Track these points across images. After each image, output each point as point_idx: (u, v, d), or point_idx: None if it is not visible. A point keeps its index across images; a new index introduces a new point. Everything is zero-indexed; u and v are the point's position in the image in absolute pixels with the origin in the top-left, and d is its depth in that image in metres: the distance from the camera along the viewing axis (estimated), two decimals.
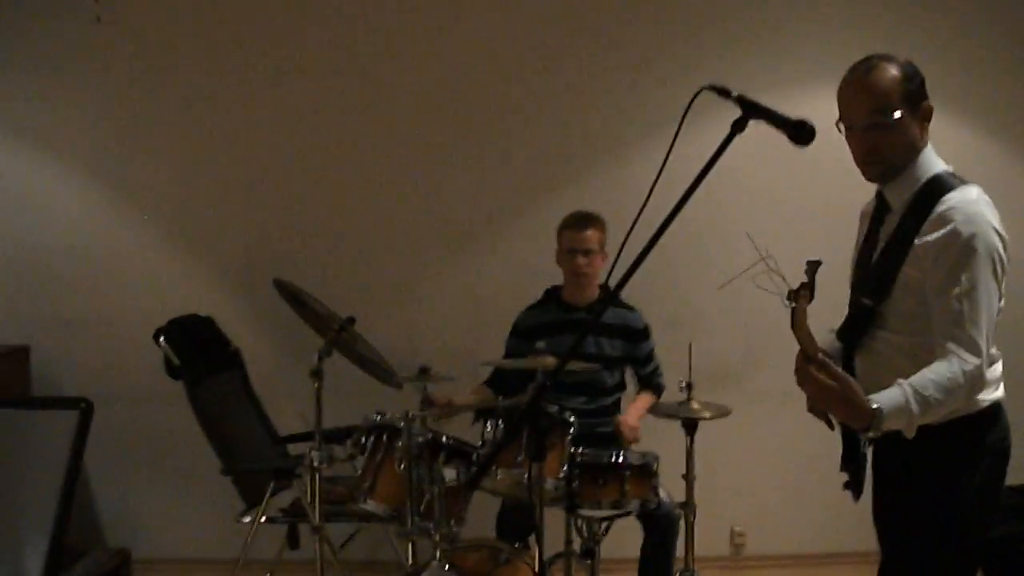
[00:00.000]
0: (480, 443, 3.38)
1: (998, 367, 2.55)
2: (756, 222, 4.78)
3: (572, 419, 3.43)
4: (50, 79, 4.94)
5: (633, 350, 4.16)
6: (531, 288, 4.34)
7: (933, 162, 2.57)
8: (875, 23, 4.90)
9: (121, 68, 4.95)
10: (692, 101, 2.24)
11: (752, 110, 2.23)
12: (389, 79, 4.94)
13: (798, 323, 2.31)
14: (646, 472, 3.56)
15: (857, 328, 2.62)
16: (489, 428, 3.36)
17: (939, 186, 2.50)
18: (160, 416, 4.66)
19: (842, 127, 2.60)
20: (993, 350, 2.50)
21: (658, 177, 2.25)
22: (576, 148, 4.93)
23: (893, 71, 2.53)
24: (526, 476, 3.28)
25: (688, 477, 3.62)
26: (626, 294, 4.25)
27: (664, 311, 4.54)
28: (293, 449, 4.49)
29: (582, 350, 4.06)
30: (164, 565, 5.03)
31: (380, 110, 4.95)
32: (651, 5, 4.93)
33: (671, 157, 2.22)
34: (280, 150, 4.98)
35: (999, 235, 2.43)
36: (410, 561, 3.60)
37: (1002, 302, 2.48)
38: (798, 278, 2.30)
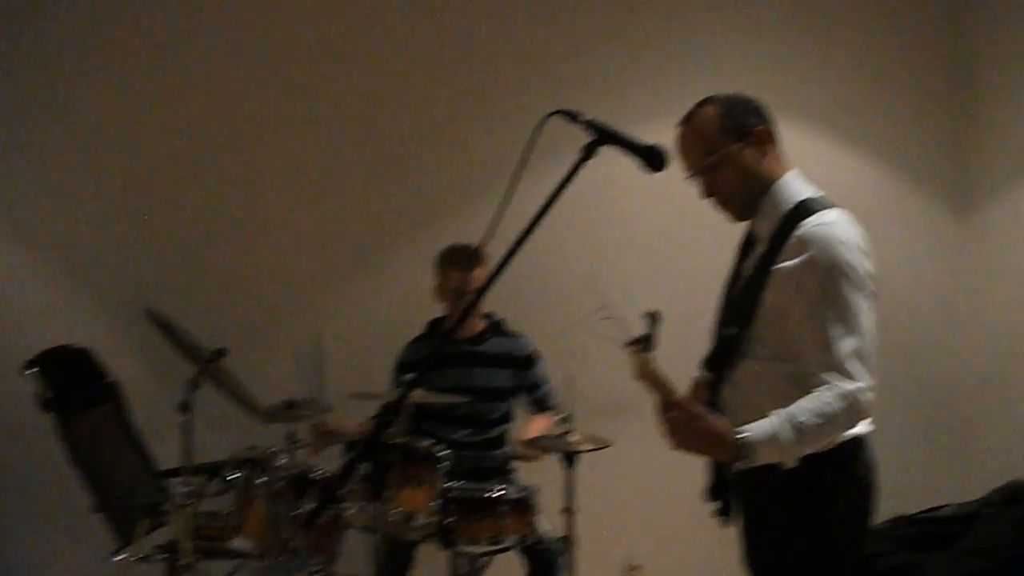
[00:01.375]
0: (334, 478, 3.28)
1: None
2: (652, 254, 4.90)
3: (443, 453, 3.35)
4: None
5: (522, 377, 4.09)
6: (424, 316, 4.26)
7: (794, 189, 2.54)
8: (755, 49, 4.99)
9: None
10: (540, 126, 2.22)
11: (603, 135, 2.20)
12: (282, 93, 4.83)
13: (638, 373, 2.29)
14: (524, 506, 3.50)
15: (721, 358, 2.58)
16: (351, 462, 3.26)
17: (799, 212, 2.47)
18: (36, 450, 4.45)
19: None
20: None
21: (504, 208, 2.19)
22: (466, 175, 4.85)
23: (709, 110, 2.55)
24: (398, 512, 3.21)
25: (568, 511, 3.53)
26: (514, 322, 4.19)
27: (551, 341, 4.45)
28: (174, 484, 4.34)
29: (468, 383, 3.99)
30: None
31: (272, 128, 4.83)
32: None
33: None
34: (161, 172, 4.81)
35: (862, 253, 2.40)
36: None
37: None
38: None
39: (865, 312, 2.37)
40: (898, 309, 5.03)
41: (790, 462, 2.32)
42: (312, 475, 3.31)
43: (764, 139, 2.54)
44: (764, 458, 2.30)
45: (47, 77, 4.77)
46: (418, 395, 3.44)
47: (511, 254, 2.14)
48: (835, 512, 2.46)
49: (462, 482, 3.52)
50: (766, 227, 2.53)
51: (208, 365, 3.55)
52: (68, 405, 4.23)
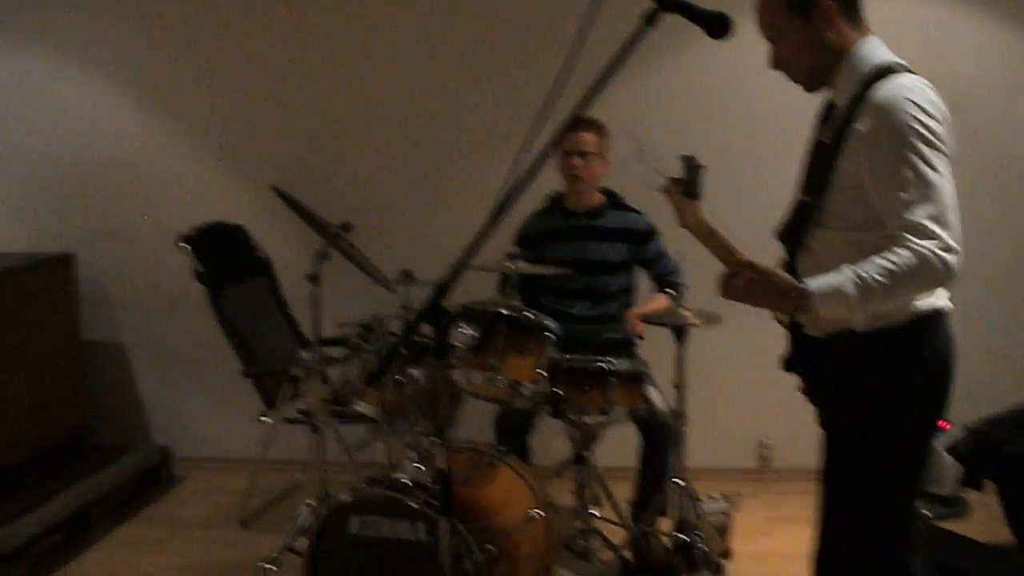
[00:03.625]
0: (457, 345, 3.40)
1: None
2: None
3: (552, 324, 3.43)
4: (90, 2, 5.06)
5: (638, 252, 4.10)
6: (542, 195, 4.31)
7: (871, 55, 2.43)
8: None
9: None
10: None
11: (664, 2, 2.18)
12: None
13: (682, 220, 2.29)
14: (633, 379, 3.55)
15: (796, 227, 2.54)
16: (465, 331, 3.39)
17: (875, 76, 2.38)
18: (198, 319, 4.77)
19: None
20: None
21: (561, 73, 2.21)
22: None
23: None
24: (503, 379, 3.33)
25: (679, 386, 3.57)
26: (637, 188, 4.18)
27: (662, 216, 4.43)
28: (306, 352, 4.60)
29: (583, 256, 4.04)
30: (203, 463, 5.25)
31: (403, 25, 4.93)
32: None
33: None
34: (312, 66, 5.02)
35: (930, 115, 2.28)
36: (386, 463, 3.68)
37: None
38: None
39: (943, 172, 2.26)
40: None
41: (858, 320, 2.25)
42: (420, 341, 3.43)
43: (829, 15, 2.45)
44: (829, 311, 2.25)
45: None
46: (524, 267, 3.53)
47: (570, 120, 2.17)
48: (906, 390, 2.40)
49: (574, 354, 3.59)
50: (844, 93, 2.45)
51: (335, 238, 3.72)
52: (220, 278, 4.53)
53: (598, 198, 4.14)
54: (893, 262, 2.21)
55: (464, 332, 3.38)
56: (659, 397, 3.86)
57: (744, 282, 2.30)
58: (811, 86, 2.53)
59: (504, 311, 3.39)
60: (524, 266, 3.56)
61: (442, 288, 2.20)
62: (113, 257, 5.23)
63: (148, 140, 5.14)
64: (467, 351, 3.36)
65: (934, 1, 4.67)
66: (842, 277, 2.23)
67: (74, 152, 5.18)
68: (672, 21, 2.20)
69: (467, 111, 4.93)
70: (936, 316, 2.43)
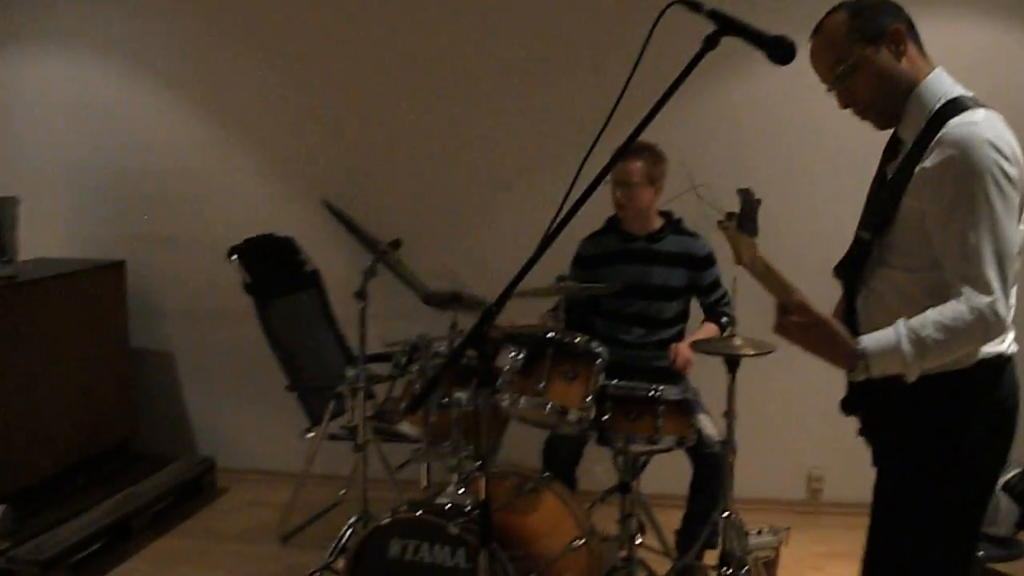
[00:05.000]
0: (503, 369, 3.33)
1: (1010, 313, 2.32)
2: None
3: (600, 349, 3.36)
4: (148, 3, 5.08)
5: (696, 278, 4.01)
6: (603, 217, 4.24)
7: (940, 88, 2.34)
8: None
9: None
10: (659, 17, 2.13)
11: (726, 25, 2.10)
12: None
13: (737, 257, 2.20)
14: (683, 408, 3.46)
15: (855, 264, 2.44)
16: (512, 354, 3.32)
17: (946, 112, 2.28)
18: (246, 331, 4.76)
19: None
20: (1011, 298, 2.28)
21: (620, 96, 2.15)
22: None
23: (838, 16, 2.38)
24: (549, 405, 3.25)
25: (729, 415, 3.48)
26: (692, 223, 4.10)
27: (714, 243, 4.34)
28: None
29: (642, 281, 3.97)
30: (246, 475, 5.24)
31: (457, 43, 4.91)
32: None
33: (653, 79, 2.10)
34: (367, 82, 5.02)
35: (1006, 157, 2.18)
36: (424, 484, 3.61)
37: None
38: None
39: (1006, 219, 2.17)
40: None
41: (912, 376, 2.18)
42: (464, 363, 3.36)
43: (899, 38, 2.35)
44: (883, 369, 2.17)
45: None
46: (572, 287, 3.46)
47: (626, 147, 2.11)
48: (969, 437, 2.30)
49: (625, 380, 3.51)
50: (911, 129, 2.36)
51: (384, 255, 3.68)
52: (268, 290, 4.51)
53: (657, 221, 4.06)
54: (950, 318, 2.14)
55: (512, 355, 3.31)
56: (710, 425, 3.77)
57: (797, 325, 2.22)
58: (883, 123, 2.44)
59: (552, 335, 3.32)
60: (573, 286, 3.49)
61: (488, 314, 2.13)
62: (164, 266, 5.24)
63: (202, 150, 5.16)
64: (514, 375, 3.30)
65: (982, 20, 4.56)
66: (898, 334, 2.16)
67: (129, 160, 5.21)
68: (732, 44, 2.14)
69: (520, 130, 4.89)
70: (1001, 361, 2.32)
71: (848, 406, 2.53)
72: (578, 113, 4.48)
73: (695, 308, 4.13)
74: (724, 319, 3.89)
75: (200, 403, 5.37)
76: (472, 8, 4.89)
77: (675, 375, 3.97)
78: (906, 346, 2.14)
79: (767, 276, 2.28)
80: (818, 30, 2.42)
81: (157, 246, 5.22)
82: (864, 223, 2.48)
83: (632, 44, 2.18)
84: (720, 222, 2.19)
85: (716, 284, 4.04)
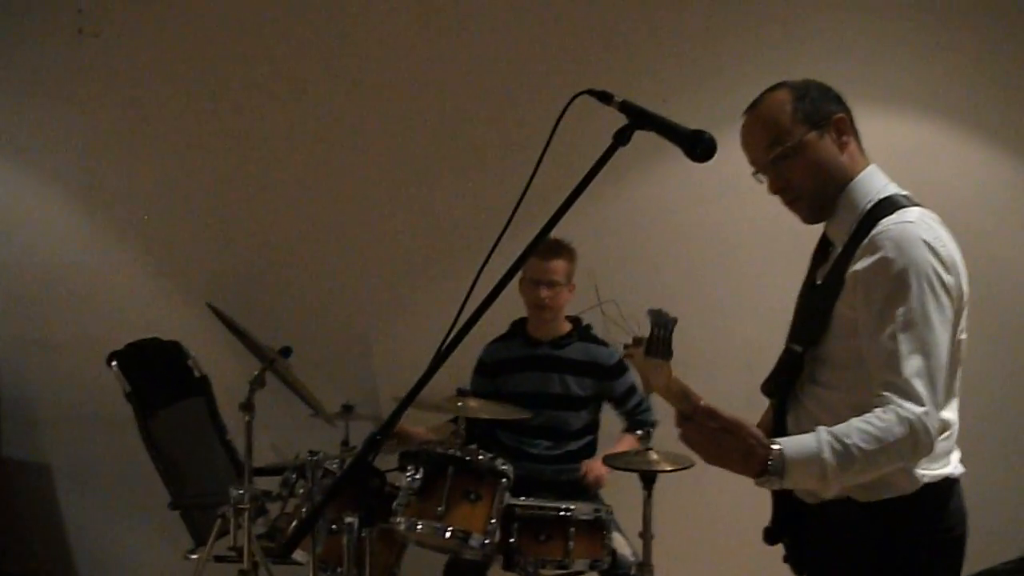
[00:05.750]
0: (398, 489, 3.06)
1: (951, 432, 2.13)
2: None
3: (505, 467, 3.10)
4: (29, 93, 4.79)
5: (607, 389, 3.80)
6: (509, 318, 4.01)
7: (875, 186, 2.18)
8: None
9: (100, 83, 4.77)
10: (567, 107, 1.94)
11: (638, 118, 1.91)
12: (376, 93, 4.68)
13: (647, 383, 1.98)
14: (596, 527, 3.22)
15: (785, 380, 2.23)
16: (409, 473, 3.05)
17: (879, 211, 2.11)
18: (129, 440, 4.37)
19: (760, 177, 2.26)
20: (948, 413, 2.09)
21: (524, 193, 1.94)
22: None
23: (781, 94, 2.21)
24: (450, 530, 2.98)
25: (645, 535, 3.23)
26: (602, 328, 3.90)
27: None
28: (262, 484, 4.24)
29: (545, 389, 3.75)
30: None
31: (363, 126, 4.69)
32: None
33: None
34: (259, 173, 4.74)
35: (942, 261, 2.02)
36: None
37: (963, 340, 2.10)
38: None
39: (939, 327, 1.99)
40: (1012, 320, 4.50)
41: (829, 492, 1.97)
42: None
43: (843, 128, 2.20)
44: (798, 480, 1.93)
45: (149, 82, 4.76)
46: (473, 409, 3.22)
47: (533, 245, 1.89)
48: (912, 566, 2.09)
49: (530, 498, 3.27)
50: (842, 229, 2.18)
51: (272, 363, 3.41)
52: (151, 398, 4.17)
53: (564, 326, 3.85)
54: (877, 427, 1.92)
55: (409, 475, 3.04)
56: (626, 546, 3.52)
57: (705, 432, 1.94)
58: (812, 216, 2.25)
59: (452, 453, 3.06)
60: (474, 408, 3.25)
61: (372, 442, 1.86)
62: (39, 370, 4.84)
63: (83, 247, 4.81)
64: (411, 496, 3.02)
65: (921, 118, 4.47)
66: (819, 441, 1.92)
67: (3, 255, 4.84)
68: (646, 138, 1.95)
69: (421, 228, 4.65)
70: (948, 484, 2.12)
71: (772, 534, 2.29)
72: (483, 208, 4.30)
73: (610, 418, 3.90)
74: (641, 431, 3.67)
75: (78, 518, 4.93)
76: (372, 104, 4.68)
77: (586, 490, 3.73)
78: (828, 455, 1.90)
79: (683, 401, 2.06)
80: (755, 106, 2.23)
81: (32, 348, 4.83)
82: (794, 334, 2.28)
83: (542, 137, 1.97)
84: (625, 347, 1.97)
85: (631, 392, 3.83)
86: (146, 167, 4.78)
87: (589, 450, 3.83)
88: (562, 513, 3.15)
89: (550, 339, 3.82)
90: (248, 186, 4.75)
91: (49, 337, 4.83)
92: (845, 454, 1.89)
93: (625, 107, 1.91)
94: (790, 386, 2.22)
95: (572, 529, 3.14)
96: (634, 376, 3.82)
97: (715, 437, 1.93)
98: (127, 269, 4.81)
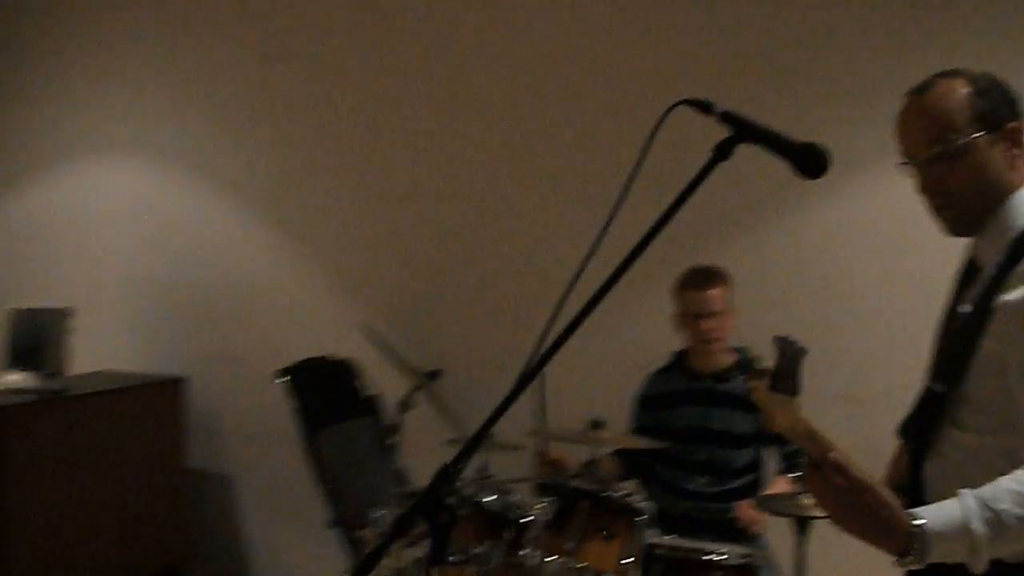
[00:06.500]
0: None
1: None
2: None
3: (642, 505, 2.93)
4: (216, 114, 5.00)
5: (766, 425, 3.55)
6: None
7: None
8: None
9: (287, 106, 4.92)
10: (664, 117, 1.78)
11: (742, 131, 1.73)
12: (543, 112, 4.57)
13: (772, 420, 1.76)
14: (746, 572, 2.98)
15: (923, 423, 1.98)
16: (540, 505, 2.92)
17: None
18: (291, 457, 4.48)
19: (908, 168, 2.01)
20: None
21: (617, 207, 1.80)
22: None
23: (959, 87, 1.93)
24: (580, 568, 2.83)
25: None
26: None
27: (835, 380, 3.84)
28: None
29: (705, 424, 3.54)
30: None
31: (537, 149, 4.60)
32: None
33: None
34: (446, 197, 4.73)
35: None
36: None
37: None
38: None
39: None
40: None
41: (980, 567, 1.67)
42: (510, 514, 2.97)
43: (1018, 140, 1.93)
44: (943, 554, 1.66)
45: (336, 104, 4.87)
46: (616, 440, 3.06)
47: (622, 268, 1.74)
48: None
49: (683, 538, 3.07)
50: (992, 251, 1.92)
51: (420, 386, 3.38)
52: (319, 416, 4.22)
53: (728, 358, 3.63)
54: None
55: (540, 506, 2.91)
56: None
57: (831, 486, 1.71)
58: (960, 228, 1.99)
59: (586, 487, 2.91)
60: (607, 439, 3.09)
61: (443, 475, 1.75)
62: (225, 384, 5.02)
63: (268, 265, 4.98)
64: (542, 529, 2.89)
65: None
66: (965, 508, 1.65)
67: (193, 273, 5.08)
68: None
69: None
70: None
71: None
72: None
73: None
74: (794, 473, 3.41)
75: (259, 530, 5.08)
76: (540, 125, 4.55)
77: (748, 533, 3.49)
78: (977, 524, 1.64)
79: (813, 444, 1.84)
80: (924, 90, 1.97)
81: (220, 363, 5.01)
82: (935, 372, 2.02)
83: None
84: (750, 379, 1.77)
85: None
86: (328, 190, 4.88)
87: (752, 489, 3.58)
88: (707, 556, 2.93)
89: (712, 372, 3.61)
90: (424, 208, 4.76)
91: (235, 352, 5.00)
92: (996, 523, 1.63)
93: (727, 118, 1.74)
94: (929, 430, 1.96)
95: (719, 573, 2.92)
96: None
97: (842, 497, 1.70)
98: (308, 288, 4.93)
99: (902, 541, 1.66)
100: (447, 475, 1.75)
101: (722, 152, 1.73)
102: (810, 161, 1.71)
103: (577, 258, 1.66)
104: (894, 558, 1.71)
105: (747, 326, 3.67)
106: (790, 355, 1.83)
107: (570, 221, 4.51)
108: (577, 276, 1.82)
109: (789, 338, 1.90)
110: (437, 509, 1.76)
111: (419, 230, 4.77)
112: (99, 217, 5.22)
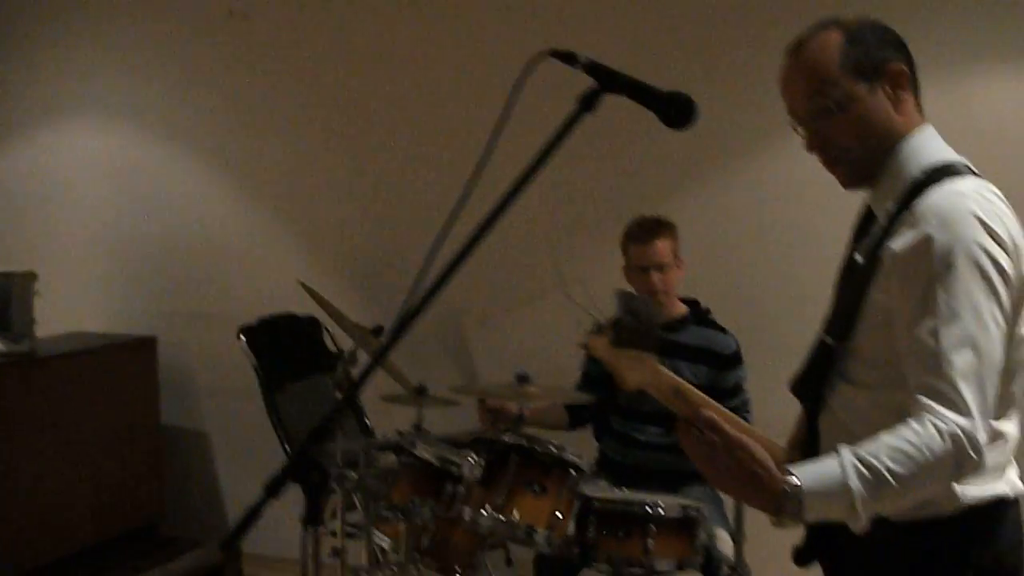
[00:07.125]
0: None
1: (1006, 444, 1.79)
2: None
3: (573, 458, 2.90)
4: (180, 72, 4.97)
5: (717, 379, 3.52)
6: None
7: (928, 148, 1.85)
8: None
9: (250, 62, 4.89)
10: (528, 69, 1.74)
11: (607, 81, 1.69)
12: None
13: (622, 378, 1.74)
14: (686, 525, 2.95)
15: (815, 377, 1.93)
16: (470, 460, 2.91)
17: (929, 180, 1.78)
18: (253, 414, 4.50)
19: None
20: (1002, 424, 1.76)
21: (479, 169, 1.76)
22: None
23: (831, 36, 1.87)
24: (511, 522, 2.82)
25: (736, 536, 2.96)
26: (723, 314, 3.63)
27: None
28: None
29: None
30: (273, 563, 4.91)
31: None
32: None
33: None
34: (408, 149, 4.70)
35: (997, 241, 1.69)
36: None
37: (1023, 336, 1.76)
38: None
39: (991, 319, 1.66)
40: None
41: (861, 524, 1.64)
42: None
43: (900, 81, 1.86)
44: (821, 513, 1.63)
45: (299, 61, 4.83)
46: (541, 394, 3.04)
47: (492, 218, 1.71)
48: None
49: (640, 486, 3.11)
50: (886, 198, 1.86)
51: (364, 341, 3.37)
52: (280, 373, 4.24)
53: (678, 309, 3.60)
54: (912, 444, 1.60)
55: (470, 461, 2.90)
56: (729, 543, 3.24)
57: (703, 445, 1.68)
58: (852, 179, 1.93)
59: (516, 442, 2.88)
60: (532, 394, 3.06)
61: (315, 434, 1.74)
62: (196, 342, 5.04)
63: (237, 226, 4.96)
64: (474, 485, 2.88)
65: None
66: (843, 465, 1.61)
67: (160, 232, 5.07)
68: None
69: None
70: (1002, 507, 1.79)
71: (804, 555, 2.00)
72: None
73: None
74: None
75: (233, 484, 5.12)
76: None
77: (698, 477, 3.47)
78: (854, 481, 1.60)
79: (676, 400, 1.82)
80: (799, 49, 1.91)
81: (188, 321, 5.02)
82: (829, 324, 1.98)
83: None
84: (586, 337, 1.74)
85: (738, 389, 3.55)
86: (294, 146, 4.86)
87: None
88: (644, 509, 2.90)
89: (663, 322, 3.57)
90: (390, 168, 4.74)
91: (205, 310, 5.01)
92: (874, 480, 1.60)
93: (591, 69, 1.70)
94: (821, 385, 1.92)
95: (653, 527, 2.89)
96: (746, 373, 3.55)
97: (715, 455, 1.67)
98: (276, 244, 4.92)
99: (777, 500, 1.63)
100: (318, 436, 1.74)
101: (587, 103, 1.69)
102: (676, 111, 1.67)
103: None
104: (771, 514, 1.68)
105: (707, 279, 3.65)
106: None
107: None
108: (446, 232, 1.78)
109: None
110: (308, 470, 1.75)
111: (386, 186, 4.74)
112: (62, 179, 5.21)
